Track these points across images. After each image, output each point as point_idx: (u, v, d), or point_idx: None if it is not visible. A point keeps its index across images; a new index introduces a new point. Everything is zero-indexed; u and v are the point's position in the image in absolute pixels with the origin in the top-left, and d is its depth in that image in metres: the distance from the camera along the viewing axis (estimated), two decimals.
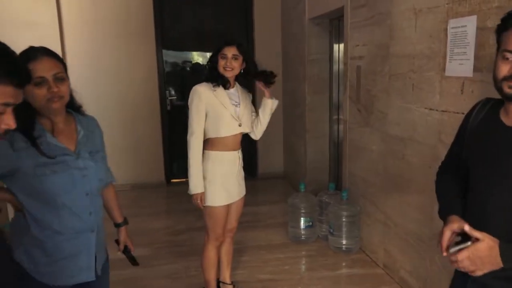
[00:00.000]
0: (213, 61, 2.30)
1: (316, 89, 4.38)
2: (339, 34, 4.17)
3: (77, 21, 4.65)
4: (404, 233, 2.69)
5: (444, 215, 1.32)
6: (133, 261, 1.86)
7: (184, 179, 5.36)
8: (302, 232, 3.48)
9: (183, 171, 5.22)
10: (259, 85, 2.36)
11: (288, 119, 5.13)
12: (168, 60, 5.17)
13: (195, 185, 2.28)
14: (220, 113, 2.27)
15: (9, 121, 0.98)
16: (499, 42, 1.22)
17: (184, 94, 5.30)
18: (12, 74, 0.96)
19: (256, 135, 2.50)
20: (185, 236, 3.69)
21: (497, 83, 1.21)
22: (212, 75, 2.30)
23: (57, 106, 1.39)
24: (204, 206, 2.35)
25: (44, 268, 1.43)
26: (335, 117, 4.36)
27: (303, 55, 4.36)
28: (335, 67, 4.26)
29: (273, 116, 5.24)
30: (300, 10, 4.41)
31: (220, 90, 2.29)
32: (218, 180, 2.32)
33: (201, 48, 5.27)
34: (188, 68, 5.32)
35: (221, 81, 2.29)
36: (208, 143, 2.32)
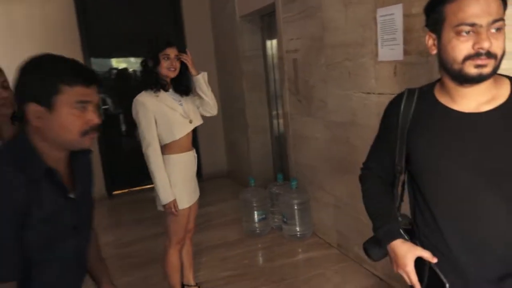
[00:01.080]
0: (154, 63, 2.24)
1: (253, 84, 4.47)
2: (270, 29, 4.29)
3: None
4: (355, 212, 2.85)
5: (386, 237, 1.21)
6: None
7: (126, 190, 5.26)
8: (256, 225, 3.55)
9: (126, 182, 5.15)
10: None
11: (228, 117, 5.17)
12: (98, 68, 4.96)
13: (166, 194, 2.24)
14: (170, 116, 2.25)
15: (92, 117, 1.10)
16: (440, 17, 1.05)
17: (119, 103, 5.12)
18: (80, 75, 1.08)
19: (211, 111, 2.48)
20: (137, 246, 3.58)
21: (456, 65, 1.03)
22: (151, 80, 2.24)
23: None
24: (167, 211, 2.32)
25: None
26: (274, 110, 4.48)
27: (238, 52, 4.42)
28: (270, 61, 4.38)
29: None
30: (230, 8, 4.46)
31: (162, 94, 2.26)
32: (180, 183, 2.30)
33: (131, 53, 5.11)
34: (116, 75, 5.13)
35: (160, 85, 2.25)
36: (164, 148, 2.29)
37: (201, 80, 2.37)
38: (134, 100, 2.23)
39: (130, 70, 5.16)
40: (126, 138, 5.30)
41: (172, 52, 2.23)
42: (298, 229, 3.38)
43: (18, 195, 1.02)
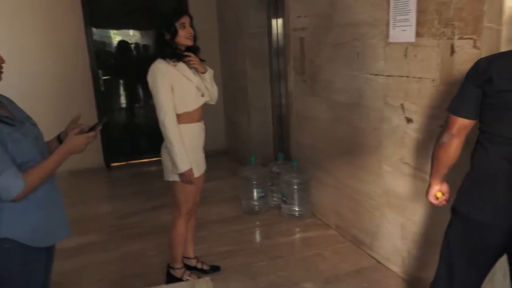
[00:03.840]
0: (172, 35, 2.20)
1: (256, 62, 4.42)
2: (276, 6, 4.21)
3: None
4: (355, 193, 2.86)
5: None
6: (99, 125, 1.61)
7: (124, 162, 5.24)
8: (255, 203, 3.56)
9: (124, 154, 5.14)
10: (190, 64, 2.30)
11: (229, 94, 5.13)
12: (99, 39, 4.88)
13: (184, 163, 2.23)
14: (186, 87, 2.25)
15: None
16: None
17: (118, 74, 5.05)
18: None
19: (211, 102, 2.49)
20: (137, 218, 3.59)
21: None
22: (170, 51, 2.21)
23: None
24: (175, 181, 2.32)
25: (33, 233, 1.46)
26: (276, 89, 4.44)
27: (242, 29, 4.36)
28: (274, 40, 4.32)
29: None
30: None
31: (180, 64, 2.25)
32: (190, 153, 2.29)
33: (133, 26, 5.03)
34: (116, 47, 5.04)
35: (179, 56, 2.23)
36: (176, 118, 2.27)
37: (207, 77, 2.38)
38: (152, 67, 2.18)
39: (130, 42, 5.08)
40: (125, 110, 5.26)
41: (186, 20, 2.23)
42: (297, 208, 3.39)
43: None
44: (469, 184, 1.54)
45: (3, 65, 1.43)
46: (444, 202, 1.71)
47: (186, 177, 2.26)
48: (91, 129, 1.54)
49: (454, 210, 1.58)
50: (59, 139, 1.63)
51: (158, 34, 2.25)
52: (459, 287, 1.60)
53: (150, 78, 2.19)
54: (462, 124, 1.50)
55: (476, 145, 1.52)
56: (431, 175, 1.67)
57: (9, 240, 1.40)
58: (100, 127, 1.57)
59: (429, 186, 1.70)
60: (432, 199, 1.70)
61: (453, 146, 1.52)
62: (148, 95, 2.38)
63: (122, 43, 5.05)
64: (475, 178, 1.52)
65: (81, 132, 1.52)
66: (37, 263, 1.52)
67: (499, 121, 1.42)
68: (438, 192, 1.68)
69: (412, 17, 2.15)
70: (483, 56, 1.78)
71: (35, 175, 1.38)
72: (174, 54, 2.22)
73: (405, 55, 2.24)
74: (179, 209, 2.42)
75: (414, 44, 2.17)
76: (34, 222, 1.46)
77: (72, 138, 1.46)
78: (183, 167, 2.23)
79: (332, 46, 2.87)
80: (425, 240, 2.30)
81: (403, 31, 2.22)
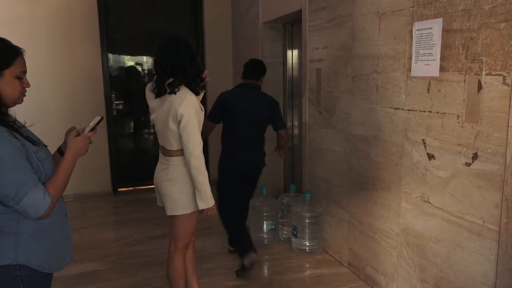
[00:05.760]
0: (200, 67, 2.24)
1: (269, 92, 4.37)
2: (292, 38, 4.23)
3: (11, 19, 4.27)
4: (371, 230, 2.75)
5: None
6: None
7: (131, 188, 5.16)
8: (265, 235, 3.44)
9: (131, 179, 5.07)
10: None
11: None
12: (113, 64, 4.92)
13: (211, 195, 2.17)
14: (201, 116, 2.21)
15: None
16: None
17: (129, 100, 5.05)
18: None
19: None
20: (143, 246, 3.48)
21: None
22: (200, 84, 2.22)
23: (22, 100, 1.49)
24: (182, 214, 2.23)
25: (46, 259, 1.44)
26: (289, 120, 4.39)
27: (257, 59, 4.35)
28: (289, 70, 4.31)
29: None
30: (253, 14, 4.41)
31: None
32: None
33: (148, 53, 5.06)
34: (129, 72, 5.06)
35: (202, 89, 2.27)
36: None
37: None
38: (188, 100, 2.10)
39: (142, 68, 5.11)
40: (135, 135, 5.23)
41: None
42: (307, 243, 3.26)
43: None
44: (223, 156, 3.14)
45: (27, 88, 1.47)
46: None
47: (212, 209, 2.19)
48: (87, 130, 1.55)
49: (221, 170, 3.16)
50: (60, 152, 1.62)
51: (197, 69, 2.22)
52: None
53: (187, 110, 2.09)
54: (213, 126, 3.07)
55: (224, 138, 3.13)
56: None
57: (22, 266, 1.37)
58: (96, 124, 1.58)
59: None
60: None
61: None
62: None
63: (135, 69, 5.08)
64: (225, 153, 3.13)
65: (78, 133, 1.53)
66: None
67: (233, 124, 3.03)
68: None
69: (437, 51, 2.10)
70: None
71: (54, 187, 1.37)
72: (199, 87, 2.24)
73: (428, 90, 2.18)
74: (176, 243, 2.30)
75: (437, 79, 2.11)
76: (49, 247, 1.44)
77: (74, 141, 1.47)
78: (212, 200, 2.17)
79: (351, 78, 2.83)
80: (450, 285, 2.16)
81: (426, 65, 2.17)
